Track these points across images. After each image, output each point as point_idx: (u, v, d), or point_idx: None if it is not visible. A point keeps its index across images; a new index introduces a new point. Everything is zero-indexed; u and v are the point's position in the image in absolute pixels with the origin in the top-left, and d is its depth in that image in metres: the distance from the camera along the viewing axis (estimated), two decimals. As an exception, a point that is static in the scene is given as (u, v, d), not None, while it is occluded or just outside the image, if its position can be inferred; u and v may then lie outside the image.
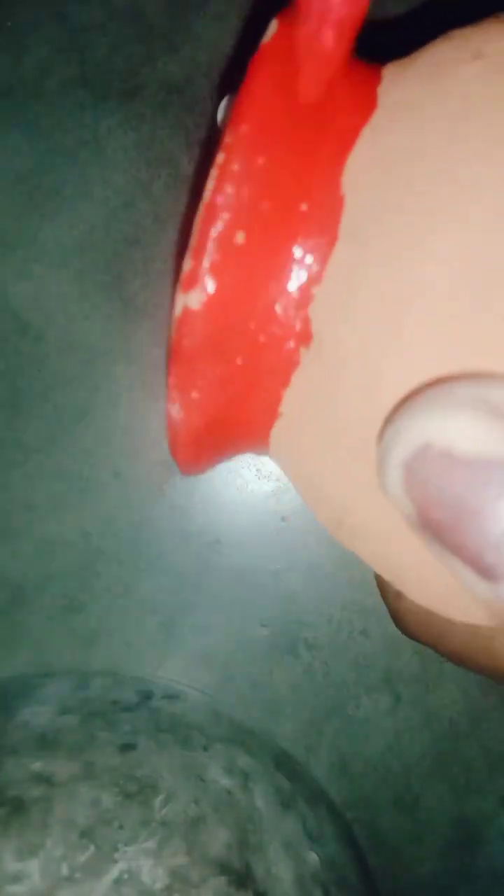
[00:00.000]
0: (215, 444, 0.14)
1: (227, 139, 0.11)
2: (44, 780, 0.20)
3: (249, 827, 0.21)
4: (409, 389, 0.11)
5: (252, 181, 0.11)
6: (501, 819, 0.27)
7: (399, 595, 0.14)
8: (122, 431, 0.27)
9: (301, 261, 0.12)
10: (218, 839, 0.20)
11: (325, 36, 0.11)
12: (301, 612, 0.27)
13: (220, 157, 0.11)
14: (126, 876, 0.18)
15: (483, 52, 0.11)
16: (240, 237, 0.11)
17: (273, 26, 0.11)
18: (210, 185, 0.11)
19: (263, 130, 0.11)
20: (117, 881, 0.18)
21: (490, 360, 0.10)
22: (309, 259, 0.12)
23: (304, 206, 0.11)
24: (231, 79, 0.27)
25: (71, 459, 0.26)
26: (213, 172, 0.11)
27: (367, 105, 0.12)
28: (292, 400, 0.12)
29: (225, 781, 0.22)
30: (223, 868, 0.19)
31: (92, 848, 0.18)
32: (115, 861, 0.18)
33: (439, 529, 0.10)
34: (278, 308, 0.12)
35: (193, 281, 0.11)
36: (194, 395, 0.12)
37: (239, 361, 0.12)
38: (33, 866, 0.18)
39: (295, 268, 0.12)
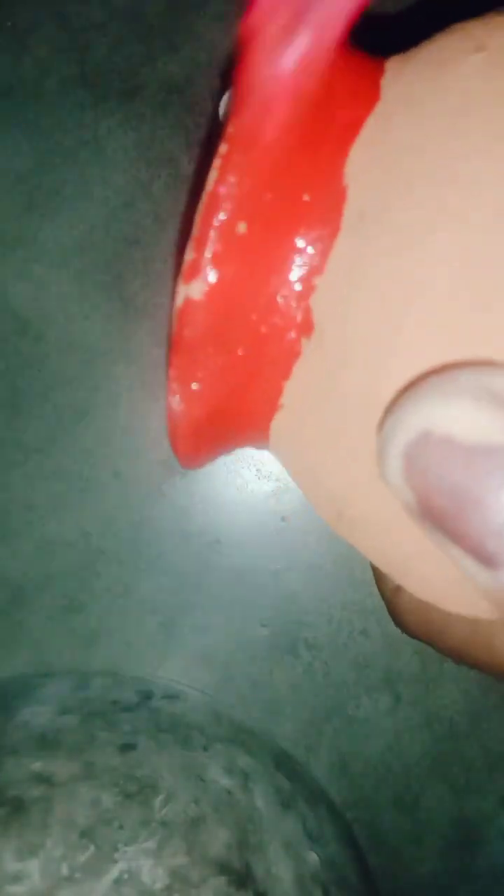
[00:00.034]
0: (215, 437, 0.14)
1: (230, 130, 0.11)
2: (44, 780, 0.20)
3: (249, 827, 0.21)
4: (410, 380, 0.11)
5: (254, 172, 0.11)
6: (501, 819, 0.27)
7: (397, 590, 0.14)
8: (122, 431, 0.27)
9: (303, 251, 0.11)
10: (218, 839, 0.20)
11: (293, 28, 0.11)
12: (301, 612, 0.27)
13: (222, 148, 0.11)
14: (126, 876, 0.18)
15: (485, 46, 0.11)
16: (242, 227, 0.11)
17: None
18: (212, 175, 0.11)
19: (265, 121, 0.11)
20: (117, 881, 0.18)
21: (489, 358, 0.10)
22: (311, 250, 0.11)
23: (306, 197, 0.11)
24: (231, 77, 0.27)
25: (71, 459, 0.26)
26: (216, 163, 0.11)
27: (369, 97, 0.12)
28: (293, 391, 0.12)
29: (225, 781, 0.22)
30: (223, 868, 0.19)
31: (92, 848, 0.18)
32: (115, 861, 0.18)
33: (440, 518, 0.10)
34: (280, 298, 0.12)
35: (195, 271, 0.11)
36: (195, 386, 0.12)
37: (240, 352, 0.12)
38: (33, 866, 0.18)
39: (297, 258, 0.12)
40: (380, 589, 0.15)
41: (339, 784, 0.27)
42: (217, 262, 0.11)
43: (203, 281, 0.11)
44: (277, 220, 0.11)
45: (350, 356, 0.11)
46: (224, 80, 0.27)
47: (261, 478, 0.27)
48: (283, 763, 0.25)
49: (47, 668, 0.26)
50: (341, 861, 0.23)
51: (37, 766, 0.20)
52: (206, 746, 0.23)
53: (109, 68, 0.27)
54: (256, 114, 0.11)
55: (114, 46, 0.27)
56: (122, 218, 0.27)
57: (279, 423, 0.13)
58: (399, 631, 0.15)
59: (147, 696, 0.25)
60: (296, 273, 0.12)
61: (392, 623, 0.15)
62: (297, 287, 0.12)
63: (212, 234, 0.11)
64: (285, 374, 0.12)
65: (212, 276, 0.11)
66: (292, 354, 0.12)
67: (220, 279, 0.11)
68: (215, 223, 0.11)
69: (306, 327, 0.12)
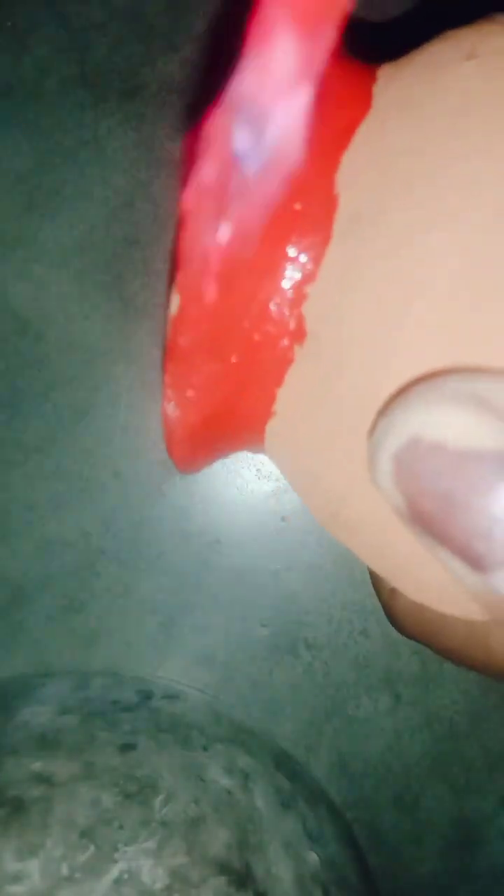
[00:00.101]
0: (211, 442, 0.14)
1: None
2: (44, 780, 0.20)
3: (249, 827, 0.21)
4: (411, 380, 0.11)
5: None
6: (501, 819, 0.27)
7: (394, 592, 0.14)
8: (122, 431, 0.27)
9: (295, 259, 0.12)
10: (218, 839, 0.20)
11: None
12: (301, 612, 0.27)
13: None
14: (126, 876, 0.18)
15: (477, 53, 0.11)
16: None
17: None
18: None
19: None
20: (117, 881, 0.18)
21: (489, 360, 0.10)
22: (303, 258, 0.12)
23: (297, 206, 0.11)
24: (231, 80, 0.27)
25: (71, 459, 0.26)
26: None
27: (361, 104, 0.12)
28: (286, 398, 0.13)
29: (225, 781, 0.22)
30: (223, 868, 0.19)
31: (92, 848, 0.18)
32: (115, 861, 0.18)
33: (429, 521, 0.10)
34: (272, 306, 0.12)
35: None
36: (190, 393, 0.12)
37: (234, 359, 0.12)
38: (33, 866, 0.18)
39: (289, 266, 0.12)
40: (377, 591, 0.16)
41: (339, 784, 0.27)
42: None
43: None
44: (269, 229, 0.11)
45: (346, 359, 0.11)
46: (223, 81, 0.27)
47: (261, 478, 0.27)
48: (283, 763, 0.25)
49: (47, 668, 0.26)
50: (341, 861, 0.23)
51: (37, 766, 0.20)
52: (206, 746, 0.23)
53: (109, 68, 0.27)
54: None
55: (114, 46, 0.27)
56: (122, 218, 0.27)
57: (273, 428, 0.13)
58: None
59: (147, 696, 0.25)
60: (288, 281, 0.12)
61: (392, 623, 0.16)
62: (290, 295, 0.12)
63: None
64: (278, 381, 0.12)
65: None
66: (285, 361, 0.12)
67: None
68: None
69: (299, 335, 0.12)
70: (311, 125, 0.09)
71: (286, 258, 0.12)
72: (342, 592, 0.27)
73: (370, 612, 0.27)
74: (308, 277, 0.12)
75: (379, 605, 0.16)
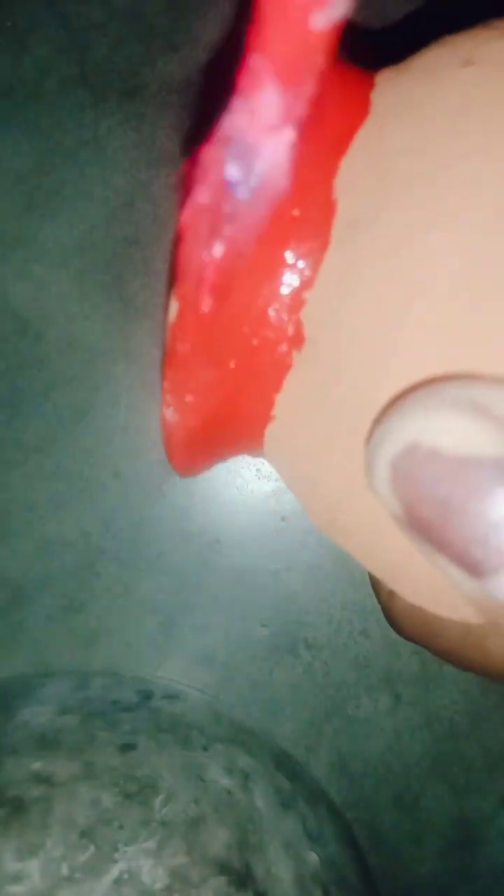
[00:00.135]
0: (210, 446, 0.14)
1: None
2: (44, 780, 0.20)
3: (249, 827, 0.21)
4: (411, 380, 0.11)
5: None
6: (501, 819, 0.27)
7: (392, 594, 0.14)
8: (122, 431, 0.27)
9: (293, 265, 0.12)
10: (218, 839, 0.20)
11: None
12: (301, 612, 0.27)
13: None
14: (126, 876, 0.18)
15: (474, 59, 0.11)
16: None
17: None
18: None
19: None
20: (117, 881, 0.18)
21: (489, 360, 0.10)
22: (301, 264, 0.12)
23: (296, 212, 0.11)
24: (231, 79, 0.27)
25: (71, 459, 0.26)
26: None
27: (359, 110, 0.12)
28: (285, 403, 0.13)
29: (225, 781, 0.22)
30: (223, 868, 0.19)
31: (92, 848, 0.18)
32: (115, 861, 0.18)
33: (426, 527, 0.10)
34: (271, 312, 0.12)
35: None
36: (189, 398, 0.12)
37: (232, 365, 0.12)
38: (33, 866, 0.18)
39: (287, 272, 0.12)
40: (376, 592, 0.16)
41: (339, 784, 0.27)
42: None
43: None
44: (267, 235, 0.11)
45: (344, 365, 0.11)
46: (224, 81, 0.27)
47: (261, 478, 0.27)
48: (283, 763, 0.25)
49: (47, 668, 0.26)
50: (341, 861, 0.23)
51: (37, 766, 0.20)
52: (206, 746, 0.23)
53: (109, 68, 0.27)
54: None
55: (114, 46, 0.27)
56: (122, 218, 0.27)
57: (272, 432, 0.13)
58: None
59: (147, 696, 0.25)
60: (287, 287, 0.12)
61: (391, 624, 0.16)
62: (288, 300, 0.12)
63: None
64: (277, 386, 0.12)
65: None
66: (283, 367, 0.12)
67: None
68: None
69: (297, 340, 0.12)
70: (295, 159, 0.10)
71: (284, 264, 0.12)
72: (342, 592, 0.27)
73: (370, 612, 0.27)
74: (306, 283, 0.12)
75: (379, 604, 0.16)
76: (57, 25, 0.27)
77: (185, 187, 0.11)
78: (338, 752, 0.27)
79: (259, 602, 0.27)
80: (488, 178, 0.10)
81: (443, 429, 0.10)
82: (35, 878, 0.18)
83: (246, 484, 0.27)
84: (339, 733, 0.27)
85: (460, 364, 0.10)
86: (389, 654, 0.27)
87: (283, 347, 0.12)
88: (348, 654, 0.27)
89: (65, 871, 0.18)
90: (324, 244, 0.12)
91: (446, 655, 0.14)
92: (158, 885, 0.18)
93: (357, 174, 0.11)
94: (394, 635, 0.26)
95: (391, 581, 0.13)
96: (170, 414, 0.13)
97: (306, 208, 0.11)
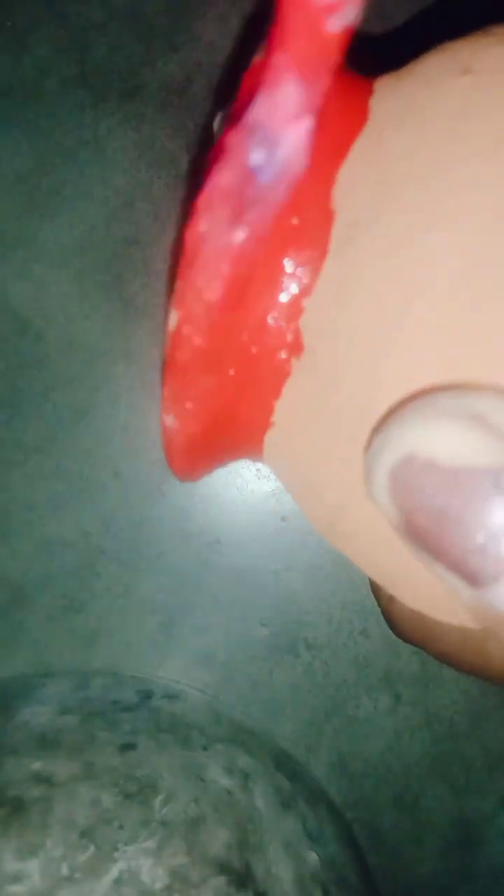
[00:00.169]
0: (210, 452, 0.14)
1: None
2: (44, 780, 0.20)
3: (249, 827, 0.21)
4: (403, 397, 0.11)
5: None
6: (501, 819, 0.27)
7: (392, 599, 0.14)
8: (122, 431, 0.27)
9: (292, 274, 0.12)
10: (218, 839, 0.20)
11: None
12: (301, 612, 0.27)
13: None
14: (126, 876, 0.18)
15: (472, 67, 0.11)
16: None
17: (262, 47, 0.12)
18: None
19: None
20: (117, 881, 0.18)
21: (489, 360, 0.10)
22: (300, 272, 0.12)
23: (294, 221, 0.12)
24: (231, 80, 0.27)
25: (71, 459, 0.26)
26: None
27: (358, 117, 0.12)
28: (284, 410, 0.13)
29: (225, 781, 0.22)
30: (223, 868, 0.19)
31: (92, 848, 0.18)
32: (115, 861, 0.18)
33: (424, 536, 0.10)
34: (270, 320, 0.12)
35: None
36: (188, 405, 0.12)
37: (232, 372, 0.12)
38: (33, 866, 0.18)
39: (286, 280, 0.12)
40: (376, 596, 0.16)
41: (339, 784, 0.27)
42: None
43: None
44: (266, 243, 0.11)
45: (342, 373, 0.11)
46: (224, 82, 0.27)
47: (261, 478, 0.27)
48: (283, 763, 0.25)
49: (47, 668, 0.26)
50: (341, 861, 0.23)
51: (37, 766, 0.20)
52: (206, 746, 0.23)
53: (109, 68, 0.27)
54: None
55: (114, 46, 0.27)
56: (122, 218, 0.27)
57: (272, 438, 0.13)
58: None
59: (147, 696, 0.25)
60: (286, 295, 0.12)
61: (391, 624, 0.16)
62: (287, 308, 0.12)
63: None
64: (276, 393, 0.13)
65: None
66: (283, 374, 0.12)
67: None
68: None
69: (296, 348, 0.12)
70: (313, 143, 0.11)
71: (283, 272, 0.12)
72: (342, 592, 0.27)
73: (370, 612, 0.27)
74: (305, 291, 0.12)
75: (378, 607, 0.16)
76: (57, 25, 0.27)
77: (202, 173, 0.11)
78: (338, 752, 0.27)
79: (259, 602, 0.27)
80: (489, 181, 0.10)
81: (440, 438, 0.10)
82: (35, 878, 0.18)
83: (246, 484, 0.27)
84: (339, 733, 0.27)
85: (460, 364, 0.10)
86: (389, 654, 0.27)
87: (282, 355, 0.12)
88: (348, 654, 0.27)
89: (65, 870, 0.18)
90: (322, 252, 0.12)
91: (446, 659, 0.14)
92: (158, 885, 0.18)
93: (356, 180, 0.11)
94: (394, 636, 0.26)
95: (391, 586, 0.13)
96: (170, 420, 0.13)
97: (305, 217, 0.12)
